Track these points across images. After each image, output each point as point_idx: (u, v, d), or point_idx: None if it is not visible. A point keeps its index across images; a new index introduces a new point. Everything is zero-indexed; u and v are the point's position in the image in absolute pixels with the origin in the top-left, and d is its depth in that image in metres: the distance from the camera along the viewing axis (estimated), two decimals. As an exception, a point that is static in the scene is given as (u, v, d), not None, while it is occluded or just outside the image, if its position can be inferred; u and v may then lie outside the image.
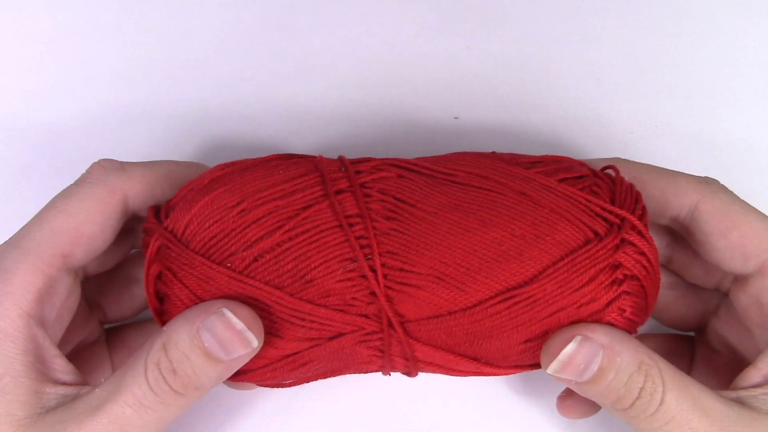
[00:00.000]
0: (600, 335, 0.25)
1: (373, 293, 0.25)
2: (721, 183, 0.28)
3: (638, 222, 0.25)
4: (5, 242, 0.26)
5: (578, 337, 0.24)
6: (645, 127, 0.37)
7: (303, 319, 0.25)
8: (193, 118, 0.36)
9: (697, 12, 0.40)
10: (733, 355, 0.29)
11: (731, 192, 0.28)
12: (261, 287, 0.24)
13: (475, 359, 0.26)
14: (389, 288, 0.25)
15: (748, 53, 0.39)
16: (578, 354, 0.24)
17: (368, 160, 0.27)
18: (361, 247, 0.24)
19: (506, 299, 0.24)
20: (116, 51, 0.37)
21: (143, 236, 0.27)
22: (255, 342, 0.24)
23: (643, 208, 0.26)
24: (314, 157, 0.27)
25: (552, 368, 0.25)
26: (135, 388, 0.23)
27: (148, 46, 0.38)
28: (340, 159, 0.27)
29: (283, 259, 0.24)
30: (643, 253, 0.25)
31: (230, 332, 0.24)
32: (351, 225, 0.24)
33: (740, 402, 0.24)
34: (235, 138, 0.36)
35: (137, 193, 0.27)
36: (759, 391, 0.25)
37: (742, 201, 0.27)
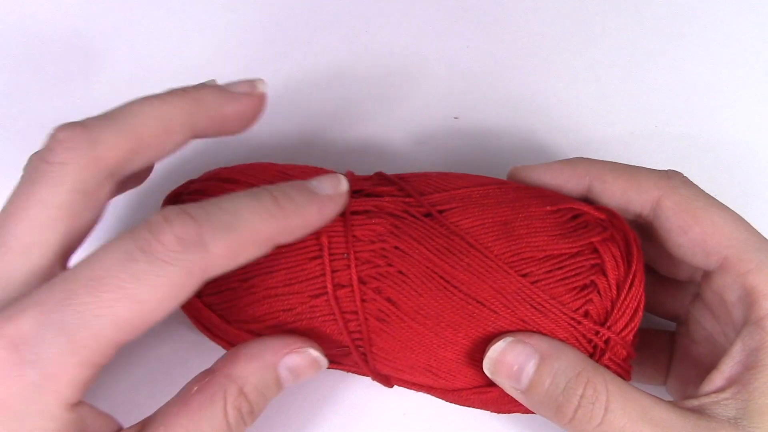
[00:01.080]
0: (536, 341, 0.25)
1: (363, 360, 0.27)
2: (685, 176, 0.28)
3: (624, 347, 0.26)
4: (44, 309, 0.20)
5: (509, 338, 0.25)
6: (645, 127, 0.37)
7: None
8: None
9: (697, 12, 0.40)
10: (712, 345, 0.28)
11: (694, 186, 0.27)
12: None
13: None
14: (376, 363, 0.27)
15: (749, 53, 0.39)
16: (509, 353, 0.24)
17: (365, 195, 0.27)
18: (354, 339, 0.26)
19: (481, 392, 0.27)
20: (116, 51, 0.38)
21: None
22: (324, 365, 0.26)
23: (635, 325, 0.26)
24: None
25: (486, 367, 0.25)
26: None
27: (148, 45, 0.38)
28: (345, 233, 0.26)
29: (290, 327, 0.27)
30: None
31: (308, 365, 0.25)
32: (347, 320, 0.26)
33: (701, 410, 0.24)
34: (235, 138, 0.36)
35: (219, 265, 0.22)
36: (721, 396, 0.24)
37: (706, 195, 0.27)
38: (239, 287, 0.26)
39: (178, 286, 0.21)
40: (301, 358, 0.25)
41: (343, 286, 0.26)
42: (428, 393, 0.29)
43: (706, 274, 0.27)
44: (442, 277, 0.25)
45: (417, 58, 0.38)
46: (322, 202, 0.24)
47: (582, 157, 0.29)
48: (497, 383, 0.26)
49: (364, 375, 0.29)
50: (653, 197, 0.27)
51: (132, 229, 0.21)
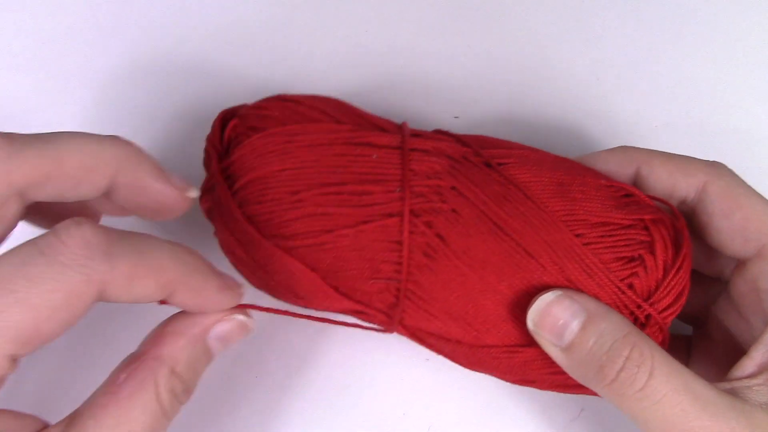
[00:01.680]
0: (584, 299, 0.24)
1: (392, 304, 0.26)
2: (728, 167, 0.28)
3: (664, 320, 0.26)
4: None
5: (558, 291, 0.24)
6: (645, 127, 0.37)
7: (329, 298, 0.26)
8: (193, 117, 0.36)
9: (697, 11, 0.40)
10: (732, 347, 0.29)
11: (738, 176, 0.28)
12: (298, 266, 0.25)
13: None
14: (408, 306, 0.26)
15: (750, 53, 0.39)
16: (557, 306, 0.24)
17: (427, 138, 0.27)
18: (396, 271, 0.25)
19: (511, 352, 0.26)
20: (116, 51, 0.38)
21: (208, 138, 0.28)
22: (252, 327, 0.26)
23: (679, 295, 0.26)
24: (376, 150, 0.27)
25: (530, 318, 0.25)
26: (151, 420, 0.22)
27: (147, 45, 0.38)
28: (402, 158, 0.26)
29: (323, 253, 0.25)
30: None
31: (237, 330, 0.25)
32: (392, 250, 0.25)
33: (733, 393, 0.24)
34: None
35: (119, 286, 0.21)
36: (753, 381, 0.24)
37: (748, 185, 0.27)
38: (285, 199, 0.25)
39: (75, 295, 0.20)
40: (229, 326, 0.25)
41: (392, 215, 0.25)
42: (450, 354, 0.28)
43: (741, 264, 0.28)
44: (495, 223, 0.25)
45: (417, 58, 0.38)
46: (227, 291, 0.24)
47: (627, 146, 0.29)
48: (536, 337, 0.25)
49: (383, 328, 0.28)
50: (699, 182, 0.27)
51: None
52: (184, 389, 0.23)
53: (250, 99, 0.37)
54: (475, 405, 0.32)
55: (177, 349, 0.23)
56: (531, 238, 0.25)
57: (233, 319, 0.25)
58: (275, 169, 0.25)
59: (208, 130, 0.36)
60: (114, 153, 0.24)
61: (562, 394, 0.31)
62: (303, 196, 0.25)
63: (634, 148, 0.29)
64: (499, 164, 0.26)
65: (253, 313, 0.32)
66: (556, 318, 0.24)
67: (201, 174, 0.31)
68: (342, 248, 0.25)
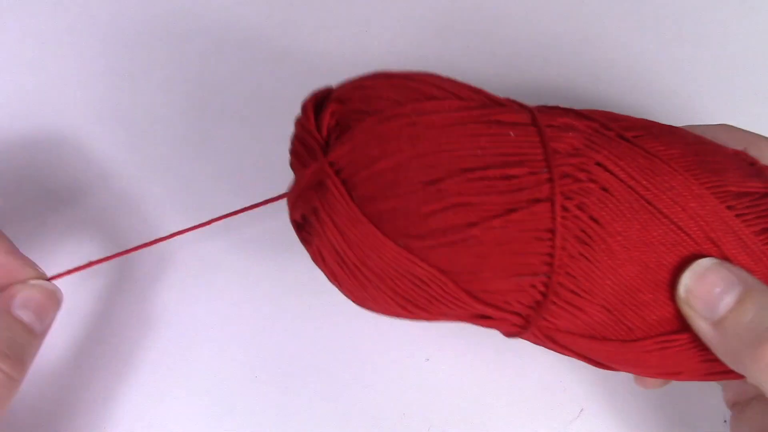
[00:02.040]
0: (742, 272, 0.23)
1: (535, 303, 0.23)
2: None
3: None
4: None
5: (716, 260, 0.23)
6: (645, 127, 0.37)
7: (456, 304, 0.23)
8: (192, 117, 0.36)
9: (697, 12, 0.40)
10: None
11: None
12: (428, 270, 0.22)
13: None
14: (554, 303, 0.23)
15: (750, 53, 0.39)
16: (713, 274, 0.22)
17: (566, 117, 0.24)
18: (545, 263, 0.23)
19: (665, 342, 0.24)
20: (117, 51, 0.38)
21: (295, 133, 0.24)
22: (61, 300, 0.26)
23: None
24: (512, 129, 0.23)
25: (682, 284, 0.22)
26: None
27: (148, 45, 0.38)
28: (541, 139, 0.23)
29: (462, 251, 0.22)
30: None
31: (41, 297, 0.25)
32: (541, 239, 0.22)
33: None
34: (234, 138, 0.36)
35: None
36: None
37: None
38: (420, 191, 0.21)
39: None
40: (28, 292, 0.25)
41: (541, 200, 0.22)
42: (590, 353, 0.25)
43: None
44: (646, 199, 0.23)
45: (417, 58, 0.38)
46: (16, 255, 0.26)
47: (729, 125, 0.28)
48: (684, 309, 0.23)
49: (514, 331, 0.25)
50: None
51: None
52: (1, 356, 0.23)
53: (248, 99, 0.37)
54: (475, 405, 0.32)
55: None
56: (683, 213, 0.23)
57: (30, 285, 0.25)
58: (405, 157, 0.22)
59: (206, 129, 0.36)
60: None
61: (562, 394, 0.32)
62: (444, 186, 0.21)
63: (737, 128, 0.27)
64: (634, 137, 0.24)
65: (252, 315, 0.32)
66: (712, 285, 0.22)
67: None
68: (487, 243, 0.22)
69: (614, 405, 0.31)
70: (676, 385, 0.32)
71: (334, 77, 0.37)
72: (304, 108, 0.24)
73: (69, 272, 0.27)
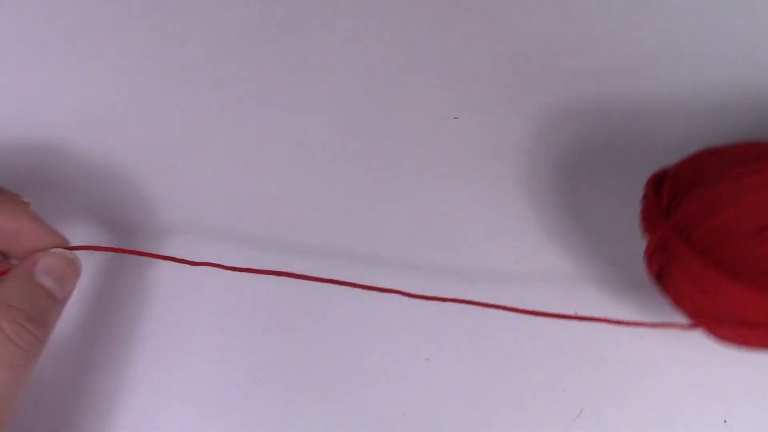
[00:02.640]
0: None
1: None
2: None
3: None
4: None
5: None
6: (645, 127, 0.37)
7: None
8: (192, 117, 0.37)
9: (697, 12, 0.40)
10: None
11: None
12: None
13: None
14: None
15: (749, 53, 0.39)
16: None
17: None
18: None
19: None
20: (117, 51, 0.38)
21: (642, 204, 0.29)
22: (81, 269, 0.27)
23: None
24: None
25: None
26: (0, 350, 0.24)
27: (147, 45, 0.38)
28: None
29: None
30: None
31: (61, 265, 0.26)
32: None
33: None
34: (234, 137, 0.36)
35: None
36: None
37: None
38: (750, 237, 0.26)
39: None
40: (51, 259, 0.26)
41: None
42: None
43: None
44: None
45: (417, 58, 0.38)
46: (41, 222, 0.27)
47: None
48: None
49: None
50: None
51: None
52: (27, 317, 0.24)
53: (248, 99, 0.37)
54: (475, 405, 0.32)
55: (8, 289, 0.25)
56: None
57: (52, 253, 0.27)
58: (733, 213, 0.26)
59: (206, 128, 0.36)
60: None
61: (562, 394, 0.32)
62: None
63: None
64: None
65: (251, 315, 0.32)
66: None
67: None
68: None
69: (614, 405, 0.31)
70: (676, 385, 0.32)
71: (334, 76, 0.38)
72: (648, 184, 0.30)
73: (89, 247, 0.28)
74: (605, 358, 0.32)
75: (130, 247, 0.32)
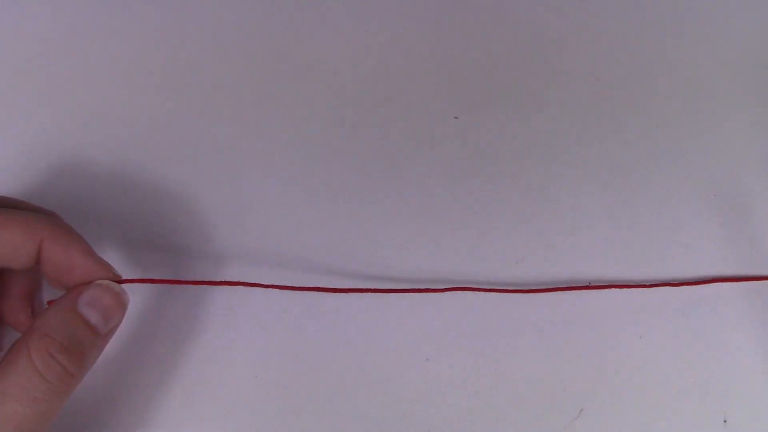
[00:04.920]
0: None
1: None
2: None
3: None
4: None
5: None
6: (645, 128, 0.37)
7: None
8: (192, 117, 0.37)
9: (697, 12, 0.40)
10: None
11: None
12: None
13: None
14: None
15: (749, 53, 0.39)
16: None
17: None
18: None
19: None
20: (116, 51, 0.38)
21: None
22: (128, 304, 0.26)
23: None
24: None
25: None
26: (24, 380, 0.22)
27: (147, 45, 0.38)
28: None
29: None
30: None
31: (105, 297, 0.25)
32: None
33: None
34: (234, 137, 0.36)
35: None
36: None
37: None
38: None
39: None
40: (96, 291, 0.25)
41: None
42: None
43: None
44: None
45: (417, 58, 0.38)
46: (93, 256, 0.26)
47: None
48: None
49: None
50: None
51: None
52: (59, 349, 0.23)
53: (248, 99, 0.37)
54: (475, 405, 0.32)
55: (48, 318, 0.24)
56: None
57: (98, 284, 0.26)
58: None
59: (206, 128, 0.36)
60: (40, 229, 0.26)
61: (562, 394, 0.32)
62: None
63: None
64: None
65: (251, 315, 0.32)
66: None
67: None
68: None
69: (614, 405, 0.31)
70: (676, 385, 0.32)
71: (334, 76, 0.38)
72: None
73: (140, 281, 0.28)
74: (605, 358, 0.32)
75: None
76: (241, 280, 0.29)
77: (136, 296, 0.32)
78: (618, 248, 0.34)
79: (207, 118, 0.37)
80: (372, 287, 0.31)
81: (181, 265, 0.33)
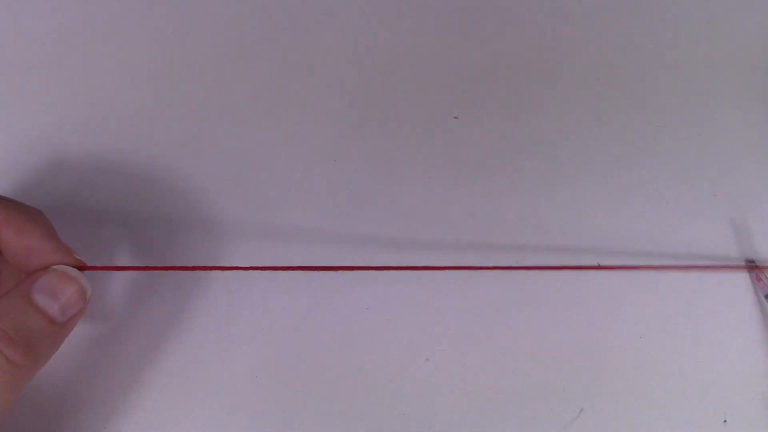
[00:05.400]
0: None
1: None
2: None
3: None
4: None
5: None
6: (645, 128, 0.37)
7: None
8: (193, 117, 0.36)
9: (696, 12, 0.40)
10: None
11: None
12: None
13: None
14: None
15: (748, 53, 0.39)
16: None
17: None
18: None
19: None
20: (116, 51, 0.38)
21: None
22: (89, 291, 0.24)
23: None
24: None
25: None
26: None
27: (148, 45, 0.38)
28: None
29: None
30: None
31: (61, 284, 0.24)
32: None
33: None
34: (233, 138, 0.36)
35: None
36: None
37: None
38: None
39: None
40: (52, 277, 0.24)
41: None
42: None
43: None
44: None
45: (417, 58, 0.38)
46: (52, 239, 0.24)
47: None
48: None
49: None
50: None
51: None
52: (9, 342, 0.22)
53: (249, 99, 0.37)
54: (475, 405, 0.32)
55: (2, 307, 0.23)
56: None
57: (53, 270, 0.24)
58: None
59: (207, 129, 0.36)
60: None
61: (562, 394, 0.32)
62: None
63: None
64: None
65: (251, 315, 0.32)
66: None
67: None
68: None
69: (614, 405, 0.31)
70: (676, 385, 0.32)
71: (334, 76, 0.38)
72: None
73: (102, 268, 0.26)
74: (605, 358, 0.32)
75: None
76: (235, 266, 0.28)
77: (135, 288, 0.32)
78: (618, 248, 0.34)
79: (207, 118, 0.37)
80: (370, 288, 0.31)
81: (178, 255, 0.33)
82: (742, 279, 0.34)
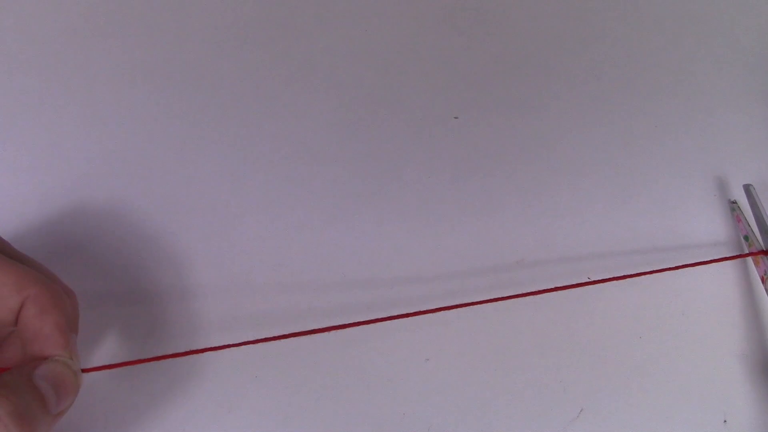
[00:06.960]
0: None
1: None
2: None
3: None
4: None
5: None
6: (644, 128, 0.37)
7: None
8: (193, 117, 0.36)
9: (697, 12, 0.40)
10: None
11: None
12: None
13: None
14: None
15: (748, 53, 0.39)
16: None
17: None
18: None
19: None
20: (116, 51, 0.38)
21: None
22: (79, 380, 0.24)
23: None
24: None
25: None
26: None
27: (148, 46, 0.38)
28: None
29: None
30: None
31: (64, 374, 0.24)
32: None
33: None
34: (234, 138, 0.36)
35: None
36: None
37: None
38: None
39: None
40: (54, 366, 0.24)
41: None
42: None
43: None
44: None
45: (417, 58, 0.38)
46: (65, 331, 0.24)
47: None
48: None
49: None
50: None
51: None
52: (9, 412, 0.21)
53: (249, 99, 0.37)
54: (475, 405, 0.32)
55: (3, 380, 0.22)
56: None
57: (56, 360, 0.24)
58: None
59: (207, 129, 0.36)
60: (28, 287, 0.24)
61: (562, 394, 0.32)
62: None
63: None
64: None
65: (251, 315, 0.32)
66: None
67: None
68: None
69: (614, 405, 0.31)
70: (676, 385, 0.32)
71: (334, 75, 0.38)
72: None
73: (102, 368, 0.26)
74: (605, 358, 0.32)
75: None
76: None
77: (136, 300, 0.32)
78: (618, 248, 0.34)
79: (207, 118, 0.37)
80: (371, 288, 0.31)
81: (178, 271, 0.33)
82: (742, 278, 0.34)
